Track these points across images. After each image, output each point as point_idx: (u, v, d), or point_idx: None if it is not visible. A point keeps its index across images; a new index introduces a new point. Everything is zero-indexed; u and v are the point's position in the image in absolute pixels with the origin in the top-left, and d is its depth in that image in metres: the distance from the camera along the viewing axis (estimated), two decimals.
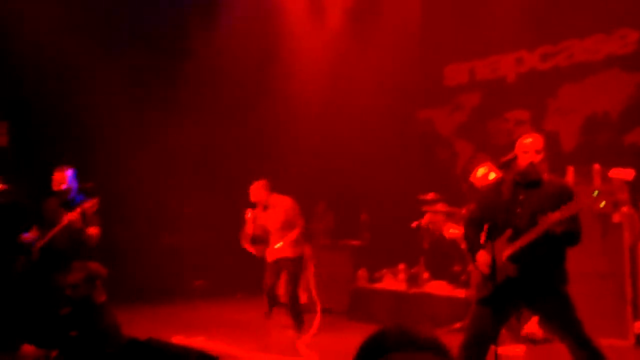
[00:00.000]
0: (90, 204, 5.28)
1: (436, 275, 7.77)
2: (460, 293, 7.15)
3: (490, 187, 4.10)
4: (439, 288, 7.46)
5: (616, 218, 5.92)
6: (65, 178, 5.60)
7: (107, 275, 3.92)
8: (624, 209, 6.02)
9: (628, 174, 6.52)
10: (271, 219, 6.66)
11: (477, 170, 5.85)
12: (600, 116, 8.50)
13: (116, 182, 8.60)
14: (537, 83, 9.07)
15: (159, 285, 9.28)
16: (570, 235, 3.57)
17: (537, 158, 3.73)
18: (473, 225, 3.99)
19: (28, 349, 3.53)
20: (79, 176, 5.90)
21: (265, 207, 6.70)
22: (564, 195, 3.60)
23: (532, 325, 6.12)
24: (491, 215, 3.85)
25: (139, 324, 6.41)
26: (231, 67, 9.78)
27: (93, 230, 5.42)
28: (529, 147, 3.75)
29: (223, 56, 9.69)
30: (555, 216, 3.45)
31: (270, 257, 6.69)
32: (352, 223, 9.44)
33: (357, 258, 8.60)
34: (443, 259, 7.80)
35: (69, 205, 5.47)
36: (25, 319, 4.57)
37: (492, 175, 5.58)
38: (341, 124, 10.11)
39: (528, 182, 3.77)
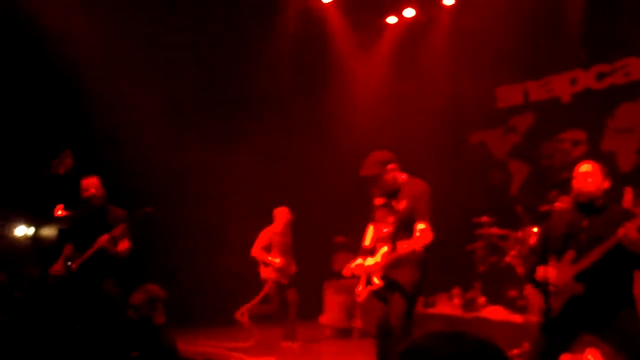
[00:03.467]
0: (120, 231, 5.51)
1: (492, 300, 7.64)
2: (517, 318, 7.00)
3: (554, 216, 4.08)
4: (496, 313, 7.33)
5: None
6: (97, 184, 5.79)
7: (167, 297, 4.03)
8: None
9: None
10: None
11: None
12: None
13: (173, 206, 8.83)
14: (592, 103, 8.90)
15: (216, 306, 9.39)
16: None
17: (591, 183, 3.73)
18: (536, 254, 3.99)
19: None
20: (135, 201, 6.11)
21: None
22: (630, 219, 3.53)
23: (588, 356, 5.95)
24: (554, 244, 3.83)
25: (196, 345, 6.54)
26: (282, 93, 9.95)
27: (123, 246, 5.62)
28: (582, 174, 3.78)
29: (273, 82, 9.87)
30: (624, 230, 3.40)
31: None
32: None
33: None
34: (499, 284, 7.67)
35: (98, 216, 5.70)
36: (84, 339, 4.73)
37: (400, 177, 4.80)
38: (394, 149, 10.09)
39: (586, 206, 3.75)
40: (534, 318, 6.02)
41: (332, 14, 10.29)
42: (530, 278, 3.95)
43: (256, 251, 8.07)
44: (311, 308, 9.32)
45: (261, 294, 8.07)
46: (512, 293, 7.42)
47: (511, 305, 7.39)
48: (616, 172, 8.24)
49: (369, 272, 4.62)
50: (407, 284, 4.53)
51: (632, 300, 3.65)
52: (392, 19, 10.42)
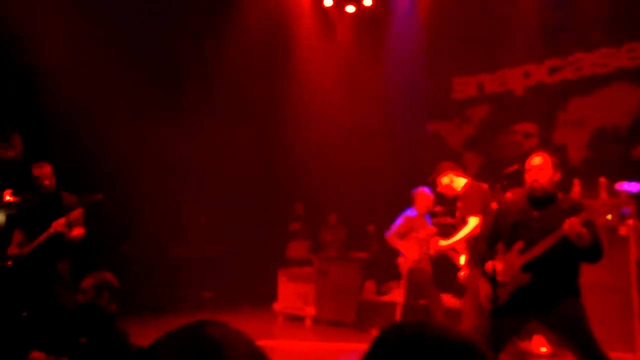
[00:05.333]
0: (76, 216, 5.41)
1: (442, 287, 7.77)
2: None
3: (503, 205, 4.14)
4: (445, 300, 7.45)
5: (623, 231, 5.92)
6: (50, 174, 5.68)
7: (118, 285, 3.98)
8: (631, 221, 6.03)
9: (635, 186, 6.54)
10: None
11: (440, 180, 5.55)
12: (609, 129, 8.52)
13: (126, 195, 8.70)
14: (545, 96, 9.11)
15: (168, 297, 9.34)
16: (595, 249, 3.58)
17: (543, 176, 3.78)
18: (485, 242, 4.05)
19: (37, 355, 3.58)
20: (89, 188, 5.99)
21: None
22: (578, 210, 3.63)
23: (536, 342, 6.12)
24: (503, 233, 3.90)
25: (148, 335, 6.47)
26: (243, 81, 9.88)
27: (77, 232, 5.53)
28: (533, 166, 3.82)
29: (234, 69, 9.79)
30: (571, 222, 3.48)
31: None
32: (361, 235, 9.49)
33: (365, 270, 8.62)
34: (446, 272, 7.81)
35: (51, 202, 5.59)
36: (32, 325, 4.64)
37: (461, 181, 5.50)
38: (350, 136, 10.18)
39: (538, 199, 3.80)
40: (469, 301, 6.21)
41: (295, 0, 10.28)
42: (478, 267, 4.03)
43: (392, 239, 7.07)
44: (265, 295, 9.36)
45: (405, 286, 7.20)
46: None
47: (460, 292, 7.53)
48: (567, 164, 8.47)
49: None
50: None
51: (577, 290, 3.75)
52: (350, 8, 10.45)
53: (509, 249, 3.81)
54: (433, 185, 5.55)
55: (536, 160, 3.84)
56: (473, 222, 5.18)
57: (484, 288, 3.88)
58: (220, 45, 9.70)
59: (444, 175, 5.51)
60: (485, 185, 5.49)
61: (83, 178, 6.70)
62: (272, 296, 9.17)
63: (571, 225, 3.48)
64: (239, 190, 9.95)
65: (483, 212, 5.16)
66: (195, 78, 9.79)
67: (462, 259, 5.53)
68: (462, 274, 5.45)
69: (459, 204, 5.43)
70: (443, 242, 5.54)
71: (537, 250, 3.65)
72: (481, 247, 4.07)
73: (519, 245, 3.75)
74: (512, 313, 3.77)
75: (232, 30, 9.81)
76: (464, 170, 5.78)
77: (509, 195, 5.76)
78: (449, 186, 5.52)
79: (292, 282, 9.04)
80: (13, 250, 5.56)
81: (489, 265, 3.84)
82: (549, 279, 3.68)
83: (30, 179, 5.61)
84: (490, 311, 3.82)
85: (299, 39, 10.61)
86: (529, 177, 3.83)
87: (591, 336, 3.58)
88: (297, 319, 8.80)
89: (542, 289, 3.69)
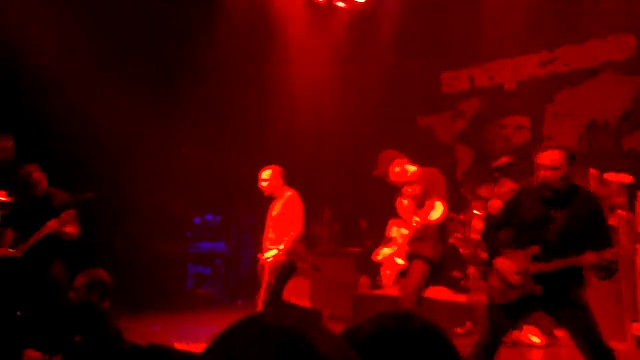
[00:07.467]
0: (70, 214, 5.43)
1: (436, 280, 7.82)
2: (461, 298, 7.20)
3: (513, 195, 4.10)
4: (439, 293, 7.50)
5: (613, 221, 5.97)
6: (41, 176, 5.69)
7: (111, 283, 3.99)
8: (621, 212, 6.08)
9: (625, 177, 6.59)
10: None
11: (392, 169, 5.28)
12: (599, 121, 8.57)
13: (119, 192, 8.69)
14: (535, 89, 9.15)
15: (161, 293, 9.34)
16: (608, 277, 3.59)
17: (553, 174, 3.65)
18: (494, 232, 4.01)
19: (32, 354, 3.60)
20: (82, 187, 6.00)
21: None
22: (595, 218, 3.64)
23: (526, 332, 6.17)
24: (515, 224, 3.88)
25: (141, 332, 6.49)
26: (232, 78, 9.86)
27: (71, 230, 5.54)
28: (542, 163, 3.70)
29: (225, 65, 9.78)
30: (591, 257, 3.47)
31: None
32: (353, 230, 9.52)
33: (359, 265, 8.65)
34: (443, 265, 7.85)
35: (43, 203, 5.60)
36: (26, 324, 4.65)
37: (411, 168, 5.29)
38: (342, 131, 10.20)
39: (550, 198, 3.72)
40: (478, 297, 6.22)
41: None
42: (488, 262, 4.02)
43: None
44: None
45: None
46: (456, 274, 7.63)
47: (455, 285, 7.59)
48: None
49: (392, 257, 5.14)
50: (426, 256, 4.98)
51: (583, 281, 3.75)
52: (341, 3, 10.46)
53: (521, 248, 3.77)
54: (384, 177, 5.31)
55: (546, 156, 3.71)
56: (441, 206, 4.84)
57: (494, 282, 3.87)
58: (210, 40, 9.67)
59: (394, 165, 5.27)
60: (437, 170, 5.31)
61: (75, 176, 6.68)
62: None
63: (593, 260, 3.47)
64: (231, 186, 9.95)
65: (447, 198, 5.01)
66: (186, 75, 9.75)
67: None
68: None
69: (411, 191, 5.15)
70: (415, 219, 4.94)
71: (552, 266, 3.61)
72: (490, 238, 4.03)
73: (534, 249, 3.70)
74: (521, 308, 3.81)
75: (222, 27, 9.78)
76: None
77: (498, 188, 5.75)
78: (401, 174, 5.26)
79: None
80: (3, 251, 5.56)
81: (500, 262, 3.83)
82: (559, 281, 3.67)
83: (21, 181, 5.62)
84: (499, 305, 3.85)
85: (289, 35, 10.60)
86: (539, 174, 3.72)
87: (596, 326, 3.60)
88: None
89: (552, 289, 3.69)
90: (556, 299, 3.71)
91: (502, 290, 3.80)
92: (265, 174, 6.41)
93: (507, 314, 3.83)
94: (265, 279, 6.17)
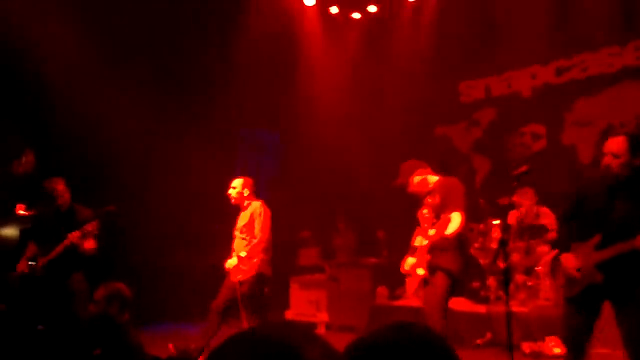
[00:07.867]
0: (92, 227, 5.47)
1: (456, 291, 7.76)
2: (481, 309, 7.14)
3: (580, 190, 4.04)
4: (459, 304, 7.44)
5: None
6: (64, 190, 5.74)
7: (131, 295, 4.00)
8: None
9: None
10: None
11: (412, 179, 5.25)
12: (617, 128, 8.48)
13: (138, 204, 8.74)
14: (552, 97, 9.09)
15: (181, 305, 9.35)
16: None
17: (615, 161, 3.63)
18: (566, 222, 4.01)
19: None
20: (101, 200, 6.04)
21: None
22: None
23: (549, 343, 6.10)
24: (581, 216, 3.85)
25: (163, 345, 6.52)
26: (250, 89, 9.92)
27: (89, 245, 5.58)
28: (607, 150, 3.70)
29: (241, 78, 9.83)
30: None
31: None
32: (370, 241, 9.48)
33: (376, 275, 8.63)
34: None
35: (66, 216, 5.65)
36: (47, 338, 4.69)
37: (433, 178, 5.26)
38: (359, 142, 10.19)
39: (613, 187, 3.68)
40: (497, 308, 6.16)
41: (300, 7, 10.30)
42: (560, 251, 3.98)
43: None
44: (277, 303, 9.36)
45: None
46: (475, 284, 7.56)
47: (474, 296, 7.52)
48: (577, 164, 8.50)
49: (414, 267, 5.13)
50: (447, 268, 4.92)
51: None
52: (356, 15, 10.49)
53: (585, 240, 3.74)
54: (404, 187, 5.29)
55: (610, 143, 3.69)
56: (458, 218, 4.80)
57: (559, 278, 3.87)
58: (227, 53, 9.74)
59: (416, 174, 5.25)
60: (457, 180, 5.26)
61: (94, 189, 6.73)
62: (284, 304, 9.17)
63: None
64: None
65: (465, 208, 4.95)
66: (202, 86, 9.82)
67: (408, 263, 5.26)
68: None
69: (431, 200, 5.12)
70: (431, 232, 4.91)
71: (612, 252, 3.59)
72: (563, 229, 4.04)
73: (596, 239, 3.68)
74: (589, 300, 3.76)
75: (238, 39, 9.85)
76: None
77: (516, 198, 5.73)
78: (421, 184, 5.23)
79: (304, 290, 9.05)
80: (22, 266, 5.62)
81: (564, 257, 3.82)
82: (621, 270, 3.62)
83: (44, 194, 5.68)
84: (568, 299, 3.84)
85: (305, 47, 10.64)
86: (603, 162, 3.70)
87: None
88: (311, 327, 8.80)
89: (615, 278, 3.64)
90: (621, 290, 3.64)
91: (568, 285, 3.81)
92: (236, 182, 6.51)
93: (577, 309, 3.79)
94: (238, 298, 6.24)
